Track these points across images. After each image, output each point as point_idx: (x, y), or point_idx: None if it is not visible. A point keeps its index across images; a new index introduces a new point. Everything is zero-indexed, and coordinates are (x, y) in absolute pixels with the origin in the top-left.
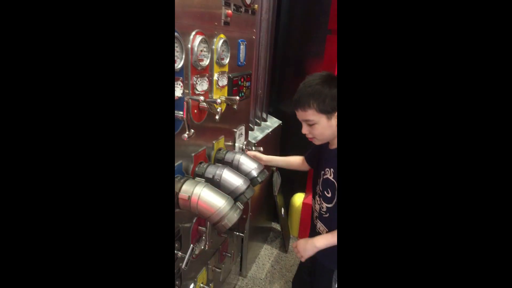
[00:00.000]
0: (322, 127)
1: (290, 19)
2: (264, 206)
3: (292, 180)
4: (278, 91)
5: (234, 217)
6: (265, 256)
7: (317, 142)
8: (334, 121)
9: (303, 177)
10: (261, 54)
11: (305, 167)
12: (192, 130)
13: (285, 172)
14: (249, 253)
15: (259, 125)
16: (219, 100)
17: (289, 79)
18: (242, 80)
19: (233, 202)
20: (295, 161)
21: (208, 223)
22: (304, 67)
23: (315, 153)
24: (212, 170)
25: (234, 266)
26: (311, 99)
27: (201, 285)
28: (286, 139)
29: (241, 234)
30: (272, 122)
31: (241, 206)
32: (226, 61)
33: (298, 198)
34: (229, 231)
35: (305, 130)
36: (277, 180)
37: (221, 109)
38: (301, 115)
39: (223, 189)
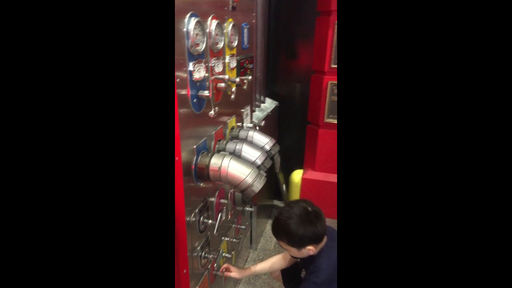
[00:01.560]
0: (294, 253)
1: (280, 2)
2: (266, 185)
3: (289, 158)
4: (273, 73)
5: (260, 182)
6: (270, 230)
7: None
8: (305, 251)
9: (300, 155)
10: (259, 37)
11: (288, 263)
12: (217, 108)
13: (282, 150)
14: (257, 228)
15: (259, 106)
16: (238, 79)
17: (282, 62)
18: (247, 62)
19: (258, 170)
20: (273, 264)
21: (229, 194)
22: (295, 49)
23: None
24: (231, 146)
25: (245, 241)
26: (282, 234)
27: (224, 254)
28: (282, 118)
29: (251, 209)
30: (270, 104)
31: (265, 174)
32: (235, 44)
33: (297, 175)
34: (242, 205)
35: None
36: (277, 158)
37: (235, 90)
38: (278, 240)
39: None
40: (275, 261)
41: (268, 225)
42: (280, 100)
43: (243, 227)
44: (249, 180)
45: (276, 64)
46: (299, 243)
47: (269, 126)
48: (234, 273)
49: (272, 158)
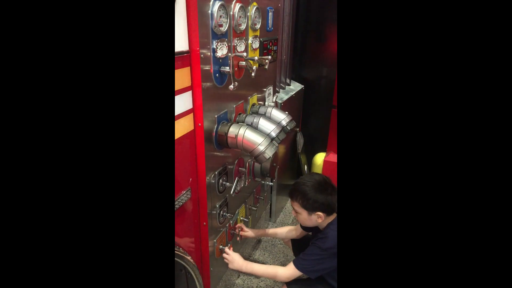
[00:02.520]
0: (303, 218)
1: None
2: (288, 165)
3: (313, 140)
4: (300, 57)
5: (272, 150)
6: (290, 206)
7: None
8: (314, 217)
9: (324, 138)
10: (285, 21)
11: (298, 234)
12: (236, 83)
13: (307, 133)
14: (277, 204)
15: (283, 88)
16: (256, 58)
17: (310, 46)
18: (270, 44)
19: (270, 140)
20: (284, 233)
21: (247, 163)
22: (325, 33)
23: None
24: (250, 119)
25: (264, 213)
26: (298, 196)
27: (242, 218)
28: (307, 101)
29: (270, 183)
30: (295, 86)
31: (277, 144)
32: (258, 26)
33: (320, 157)
34: (260, 177)
35: (293, 213)
36: (300, 139)
37: (256, 68)
38: (291, 203)
39: None
40: (289, 230)
41: (288, 203)
42: (306, 84)
43: (261, 197)
44: (261, 148)
45: (304, 48)
46: (311, 207)
47: (293, 108)
48: (249, 232)
49: (295, 138)
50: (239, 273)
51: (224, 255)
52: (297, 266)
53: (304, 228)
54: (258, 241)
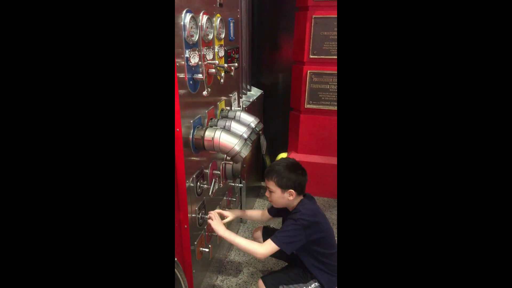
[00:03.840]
0: (277, 196)
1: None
2: (254, 167)
3: (275, 142)
4: (258, 64)
5: (247, 150)
6: (258, 207)
7: (274, 205)
8: (286, 195)
9: (285, 139)
10: (243, 31)
11: (265, 218)
12: (209, 89)
13: (268, 135)
14: (246, 204)
15: (245, 94)
16: (226, 65)
17: (266, 53)
18: (233, 52)
19: (244, 140)
20: (256, 215)
21: (221, 166)
22: (278, 42)
23: (278, 210)
24: (222, 123)
25: None
26: (274, 174)
27: None
28: (268, 106)
29: (240, 185)
30: (255, 92)
31: (250, 144)
32: (223, 35)
33: (282, 157)
34: (232, 178)
35: (267, 193)
36: (263, 141)
37: (223, 74)
38: (266, 182)
39: None
40: (262, 213)
41: (257, 203)
42: (265, 89)
43: (233, 199)
44: (237, 148)
45: (260, 56)
46: (285, 185)
47: (254, 112)
48: (229, 216)
49: (258, 141)
50: (217, 275)
51: (210, 221)
52: (274, 240)
53: (270, 212)
54: None
